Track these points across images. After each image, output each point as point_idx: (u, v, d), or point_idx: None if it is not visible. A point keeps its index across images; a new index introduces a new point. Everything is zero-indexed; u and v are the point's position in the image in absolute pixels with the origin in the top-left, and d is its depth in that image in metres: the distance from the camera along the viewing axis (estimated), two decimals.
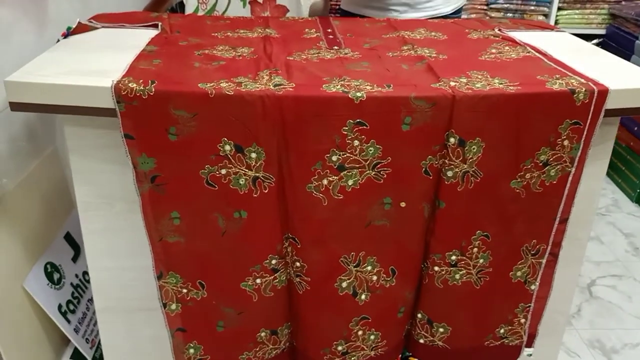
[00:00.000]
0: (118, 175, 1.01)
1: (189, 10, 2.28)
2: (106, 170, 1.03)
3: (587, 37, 2.72)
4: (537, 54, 1.17)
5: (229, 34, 1.26)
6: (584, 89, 0.97)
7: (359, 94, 0.92)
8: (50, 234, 1.27)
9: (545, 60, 1.13)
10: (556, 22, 2.65)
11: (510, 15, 2.61)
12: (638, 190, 2.24)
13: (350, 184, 0.97)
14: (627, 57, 2.39)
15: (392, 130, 0.95)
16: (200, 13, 2.30)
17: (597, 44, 2.72)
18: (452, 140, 0.96)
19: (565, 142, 0.99)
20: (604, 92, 0.97)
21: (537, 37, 1.32)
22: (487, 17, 2.62)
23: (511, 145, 0.98)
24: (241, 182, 0.95)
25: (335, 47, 1.18)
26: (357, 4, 1.68)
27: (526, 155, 0.99)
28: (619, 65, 1.16)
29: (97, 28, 1.25)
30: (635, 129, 2.31)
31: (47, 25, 1.31)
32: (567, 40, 1.36)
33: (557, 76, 1.02)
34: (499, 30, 1.35)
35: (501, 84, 0.98)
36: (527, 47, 1.20)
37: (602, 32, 2.67)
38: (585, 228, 1.18)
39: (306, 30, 1.32)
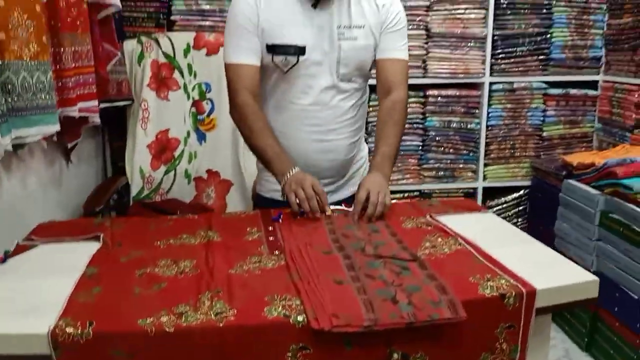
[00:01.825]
0: None
1: (134, 191, 2.33)
2: None
3: (514, 189, 2.91)
4: (467, 246, 1.23)
5: (171, 241, 1.28)
6: (513, 293, 1.02)
7: (300, 318, 0.93)
8: None
9: (476, 254, 1.19)
10: (485, 177, 2.85)
11: (441, 173, 2.80)
12: (586, 339, 2.29)
13: None
14: (553, 208, 2.56)
15: (335, 352, 0.95)
16: (146, 192, 2.35)
17: (521, 197, 2.90)
18: (395, 356, 0.97)
19: (504, 346, 1.02)
20: (532, 294, 1.02)
21: (467, 221, 1.41)
22: (421, 177, 2.79)
23: (454, 355, 1.00)
24: None
25: (276, 252, 1.21)
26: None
27: None
28: (545, 256, 1.23)
29: (36, 245, 1.25)
30: None
31: None
32: (493, 223, 1.45)
33: (488, 276, 1.07)
34: (430, 216, 1.43)
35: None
36: (459, 239, 1.27)
37: (528, 183, 2.88)
38: None
39: (248, 229, 1.35)
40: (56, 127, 1.49)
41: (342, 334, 0.94)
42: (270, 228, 1.36)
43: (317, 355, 0.94)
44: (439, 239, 1.28)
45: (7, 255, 1.18)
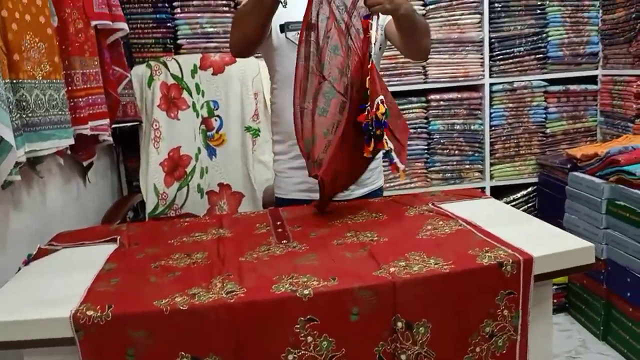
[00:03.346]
0: None
1: (149, 207, 2.40)
2: None
3: (522, 187, 2.94)
4: (468, 226, 1.28)
5: (184, 239, 1.34)
6: (510, 260, 1.06)
7: (306, 292, 0.99)
8: None
9: (475, 232, 1.23)
10: (492, 176, 2.88)
11: (448, 175, 2.84)
12: (602, 328, 2.29)
13: None
14: (561, 201, 2.58)
15: (342, 322, 1.00)
16: (161, 208, 2.43)
17: (530, 194, 2.92)
18: (399, 324, 1.01)
19: (505, 312, 1.06)
20: (529, 261, 1.07)
21: (467, 206, 1.45)
22: (428, 179, 2.84)
23: (456, 322, 1.04)
24: None
25: (284, 242, 1.27)
26: (308, 190, 1.69)
27: (472, 329, 1.05)
28: (543, 230, 1.28)
29: (57, 250, 1.32)
30: None
31: (7, 249, 1.38)
32: (494, 207, 1.50)
33: (487, 249, 1.12)
34: (433, 204, 1.47)
35: (437, 264, 1.07)
36: (459, 220, 1.32)
37: (535, 180, 2.90)
38: None
39: (257, 225, 1.41)
40: (69, 141, 1.57)
41: (349, 304, 0.99)
42: (279, 222, 1.42)
43: (325, 326, 0.99)
44: (440, 222, 1.33)
45: (30, 259, 1.25)
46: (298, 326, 0.98)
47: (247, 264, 1.15)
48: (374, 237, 1.25)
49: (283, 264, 1.13)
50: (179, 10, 2.62)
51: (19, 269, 1.22)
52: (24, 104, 1.38)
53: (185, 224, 1.49)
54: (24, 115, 1.38)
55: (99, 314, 0.94)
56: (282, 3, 1.41)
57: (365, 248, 1.19)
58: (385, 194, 1.82)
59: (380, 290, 1.00)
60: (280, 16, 1.57)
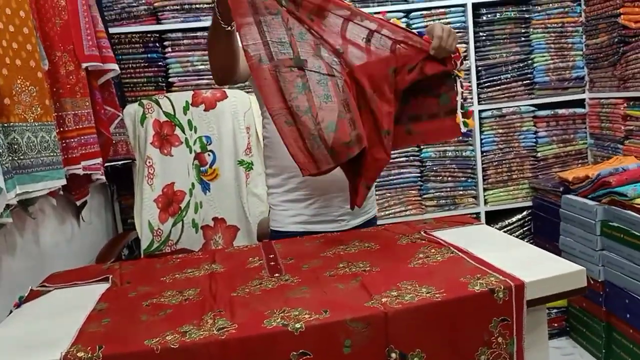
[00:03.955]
0: None
1: (144, 244, 2.40)
2: None
3: (516, 211, 2.95)
4: (460, 253, 1.28)
5: (177, 275, 1.34)
6: (502, 287, 1.06)
7: (297, 326, 0.98)
8: None
9: (467, 259, 1.23)
10: (486, 201, 2.90)
11: (442, 202, 2.85)
12: (604, 351, 2.27)
13: None
14: (556, 224, 2.59)
15: (334, 355, 0.99)
16: (156, 245, 2.42)
17: (525, 217, 2.93)
18: (393, 355, 1.00)
19: (500, 339, 1.05)
20: (520, 287, 1.07)
21: (459, 233, 1.46)
22: (423, 207, 2.85)
23: (451, 350, 1.03)
24: None
25: (277, 275, 1.27)
26: (305, 222, 1.72)
27: (467, 357, 1.04)
28: (535, 255, 1.28)
29: (50, 291, 1.31)
30: None
31: (0, 292, 1.37)
32: (485, 233, 1.50)
33: (478, 276, 1.12)
34: (425, 232, 1.48)
35: (429, 292, 1.06)
36: (451, 248, 1.32)
37: (529, 203, 2.92)
38: None
39: (250, 259, 1.41)
40: (61, 182, 1.57)
41: (342, 337, 0.99)
42: (271, 255, 1.42)
43: None
44: (432, 250, 1.33)
45: (22, 301, 1.25)
46: None
47: (239, 298, 1.14)
48: (366, 268, 1.25)
49: (275, 297, 1.13)
50: (169, 49, 2.67)
51: (10, 311, 1.21)
52: (15, 146, 1.39)
53: (178, 260, 1.49)
54: (16, 158, 1.39)
55: (89, 355, 0.93)
56: (225, 27, 1.40)
57: (357, 279, 1.18)
58: (379, 222, 1.83)
59: (372, 322, 1.00)
60: None
